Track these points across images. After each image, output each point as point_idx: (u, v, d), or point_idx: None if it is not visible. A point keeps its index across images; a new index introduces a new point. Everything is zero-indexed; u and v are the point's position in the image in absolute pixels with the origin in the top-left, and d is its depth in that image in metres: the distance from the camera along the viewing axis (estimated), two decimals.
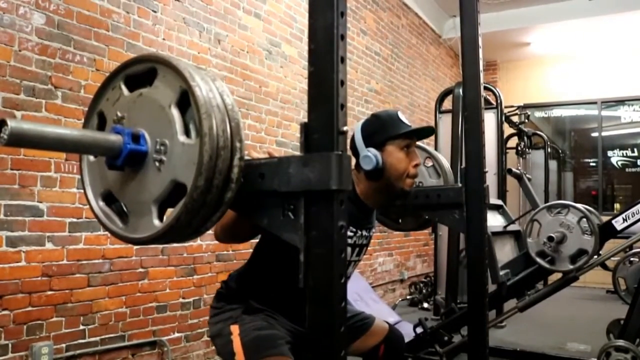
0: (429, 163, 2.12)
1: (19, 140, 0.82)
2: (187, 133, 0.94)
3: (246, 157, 1.09)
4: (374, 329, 1.80)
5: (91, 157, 1.09)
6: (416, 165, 1.62)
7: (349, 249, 1.61)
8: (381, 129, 1.59)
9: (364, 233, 1.68)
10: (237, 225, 1.34)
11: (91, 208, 1.07)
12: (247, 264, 1.63)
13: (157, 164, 0.95)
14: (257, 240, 1.60)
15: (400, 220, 2.18)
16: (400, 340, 1.85)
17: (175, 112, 0.95)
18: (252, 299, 1.54)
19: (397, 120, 1.61)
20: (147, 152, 0.96)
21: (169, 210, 0.97)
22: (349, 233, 1.58)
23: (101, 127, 1.06)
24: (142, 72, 1.01)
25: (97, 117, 1.07)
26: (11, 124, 0.80)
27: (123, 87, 1.03)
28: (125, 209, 1.03)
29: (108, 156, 0.97)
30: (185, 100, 0.94)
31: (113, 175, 1.01)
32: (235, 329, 1.49)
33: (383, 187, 1.61)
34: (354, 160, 1.62)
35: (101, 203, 1.06)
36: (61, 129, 0.91)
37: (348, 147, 1.62)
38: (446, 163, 2.12)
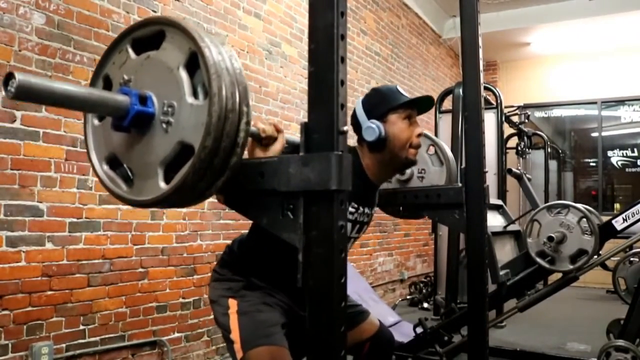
0: (432, 150, 2.13)
1: (27, 93, 0.81)
2: (195, 95, 0.94)
3: (252, 128, 1.09)
4: (365, 324, 1.78)
5: (95, 121, 1.08)
6: (419, 135, 1.63)
7: (349, 225, 1.60)
8: (382, 101, 1.61)
9: (366, 210, 1.67)
10: None
11: (95, 172, 1.06)
12: (249, 233, 1.62)
13: (164, 125, 0.95)
14: None
15: (402, 208, 2.18)
16: (388, 342, 1.83)
17: (183, 74, 0.94)
18: (253, 275, 1.53)
19: (397, 92, 1.63)
20: (154, 113, 0.96)
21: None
22: (351, 209, 1.58)
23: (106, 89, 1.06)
24: (149, 35, 1.00)
25: (102, 81, 1.06)
26: (19, 77, 0.79)
27: (130, 50, 1.02)
28: (130, 173, 1.02)
29: (114, 117, 0.96)
30: (194, 63, 0.93)
31: (118, 138, 1.01)
32: (233, 304, 1.49)
33: (387, 158, 1.61)
34: (355, 139, 1.62)
35: (105, 167, 1.05)
36: (69, 86, 0.90)
37: (349, 122, 1.64)
38: (448, 150, 2.12)
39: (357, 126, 1.62)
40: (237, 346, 1.43)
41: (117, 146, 1.02)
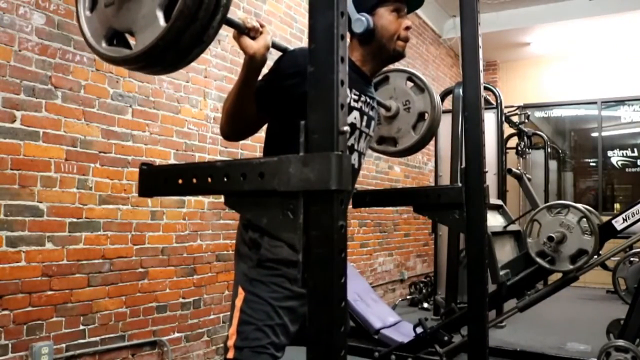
0: (410, 84, 2.21)
1: None
2: None
3: (235, 19, 1.15)
4: None
5: (88, 12, 1.14)
6: (407, 28, 1.62)
7: (357, 115, 1.58)
8: None
9: (368, 100, 1.64)
10: (241, 113, 1.38)
11: (97, 52, 1.12)
12: None
13: None
14: (265, 138, 1.57)
15: (397, 144, 2.22)
16: None
17: None
18: (263, 247, 1.43)
19: None
20: None
21: None
22: (353, 96, 1.57)
23: None
24: None
25: None
26: None
27: None
28: (133, 35, 1.06)
29: None
30: None
31: (112, 11, 1.06)
32: (241, 293, 1.42)
33: (376, 50, 1.61)
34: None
35: (105, 45, 1.11)
36: None
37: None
38: (426, 79, 2.21)
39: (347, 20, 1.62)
40: (230, 342, 1.40)
41: (113, 18, 1.08)
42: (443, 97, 5.09)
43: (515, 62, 8.27)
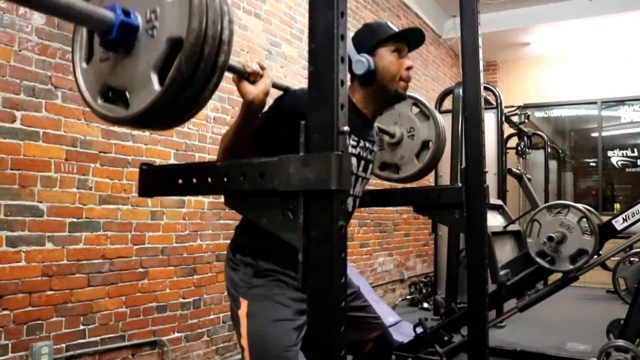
0: (416, 109, 2.19)
1: None
2: None
3: (236, 64, 1.11)
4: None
5: (84, 64, 1.12)
6: (408, 68, 1.61)
7: (354, 160, 1.58)
8: (371, 35, 1.61)
9: (367, 145, 1.64)
10: (238, 149, 1.36)
11: (92, 109, 1.10)
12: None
13: (149, 32, 0.98)
14: None
15: (399, 171, 2.21)
16: (390, 343, 1.83)
17: None
18: (261, 258, 1.45)
19: (387, 26, 1.62)
20: (138, 26, 0.99)
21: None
22: (352, 142, 1.56)
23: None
24: None
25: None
26: None
27: None
28: (126, 95, 1.05)
29: (101, 31, 0.99)
30: None
31: (107, 67, 1.04)
32: (244, 304, 1.42)
33: (377, 91, 1.60)
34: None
35: (100, 101, 1.09)
36: None
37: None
38: (430, 105, 2.19)
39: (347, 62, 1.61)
40: (247, 354, 1.39)
41: (108, 75, 1.05)
42: (443, 97, 5.10)
43: (515, 62, 8.27)
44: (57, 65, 2.48)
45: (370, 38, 1.60)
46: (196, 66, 0.93)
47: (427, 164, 2.16)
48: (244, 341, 1.41)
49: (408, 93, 1.94)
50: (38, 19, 2.41)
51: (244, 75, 1.25)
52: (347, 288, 0.95)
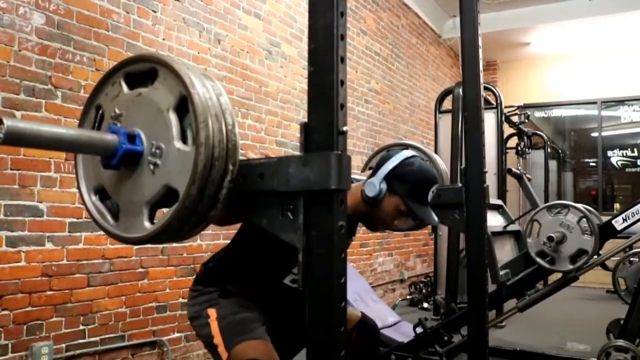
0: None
1: (16, 139, 0.82)
2: (184, 138, 0.94)
3: (242, 157, 1.10)
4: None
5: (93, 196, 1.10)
6: (396, 227, 1.68)
7: None
8: (407, 183, 1.58)
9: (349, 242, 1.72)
10: (225, 220, 1.40)
11: (83, 202, 1.08)
12: (228, 247, 1.67)
13: (151, 166, 0.95)
14: (240, 226, 1.65)
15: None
16: (373, 328, 1.85)
17: (173, 117, 0.94)
18: (228, 283, 1.57)
19: (425, 192, 1.61)
20: (142, 152, 0.97)
21: (160, 211, 0.98)
22: None
23: (98, 121, 1.07)
24: (142, 71, 1.00)
25: (94, 110, 1.08)
26: (7, 122, 0.80)
27: (123, 84, 1.03)
28: (117, 206, 1.03)
29: (103, 155, 0.97)
30: (184, 105, 0.93)
31: (107, 172, 1.02)
32: (212, 312, 1.53)
33: (365, 213, 1.64)
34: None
35: (94, 197, 1.07)
36: (57, 128, 0.90)
37: (377, 162, 1.67)
38: (444, 166, 2.15)
39: (375, 170, 1.62)
40: (221, 348, 1.47)
41: (106, 179, 1.03)
42: (443, 97, 5.10)
43: (515, 62, 8.27)
44: (57, 65, 2.48)
45: (404, 184, 1.58)
46: (188, 219, 0.93)
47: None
48: (217, 338, 1.48)
49: (424, 148, 2.06)
50: (38, 19, 2.41)
51: None
52: (347, 288, 0.95)
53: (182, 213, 0.91)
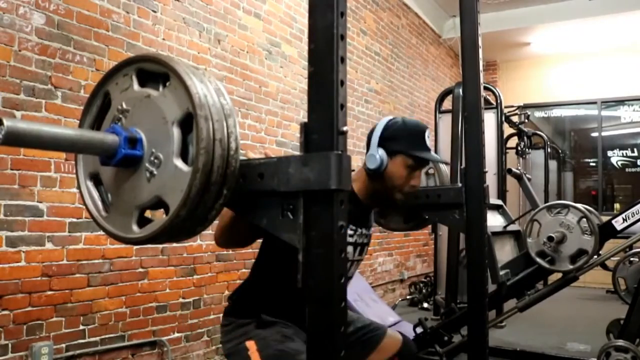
0: (431, 171, 2.15)
1: (16, 139, 0.82)
2: (184, 153, 0.93)
3: (242, 157, 1.09)
4: (386, 342, 1.76)
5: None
6: (413, 186, 1.62)
7: (350, 248, 1.61)
8: (401, 138, 1.58)
9: (364, 231, 1.67)
10: (236, 228, 1.33)
11: (78, 184, 1.08)
12: (251, 276, 1.59)
13: (148, 174, 0.95)
14: (259, 250, 1.58)
15: (404, 219, 2.19)
16: (414, 354, 1.82)
17: (176, 132, 0.93)
18: (263, 312, 1.49)
19: (421, 139, 1.60)
20: (141, 157, 0.96)
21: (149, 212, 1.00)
22: (349, 232, 1.57)
23: (104, 109, 1.06)
24: (156, 71, 0.99)
25: (102, 97, 1.07)
26: (7, 123, 0.80)
27: (134, 78, 1.01)
28: (109, 198, 1.03)
29: (103, 156, 0.97)
30: (190, 121, 0.92)
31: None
32: (251, 345, 1.45)
33: (379, 189, 1.61)
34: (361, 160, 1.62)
35: (89, 182, 1.07)
36: (58, 129, 0.90)
37: (366, 141, 1.65)
38: (447, 175, 2.14)
39: (368, 144, 1.61)
40: None
41: (103, 170, 1.03)
42: (443, 97, 5.10)
43: (515, 62, 8.27)
44: (57, 65, 2.48)
45: (399, 141, 1.57)
46: (174, 234, 0.94)
47: (423, 221, 2.11)
48: None
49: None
50: (38, 19, 2.41)
51: None
52: (347, 288, 0.95)
53: (170, 228, 0.91)
